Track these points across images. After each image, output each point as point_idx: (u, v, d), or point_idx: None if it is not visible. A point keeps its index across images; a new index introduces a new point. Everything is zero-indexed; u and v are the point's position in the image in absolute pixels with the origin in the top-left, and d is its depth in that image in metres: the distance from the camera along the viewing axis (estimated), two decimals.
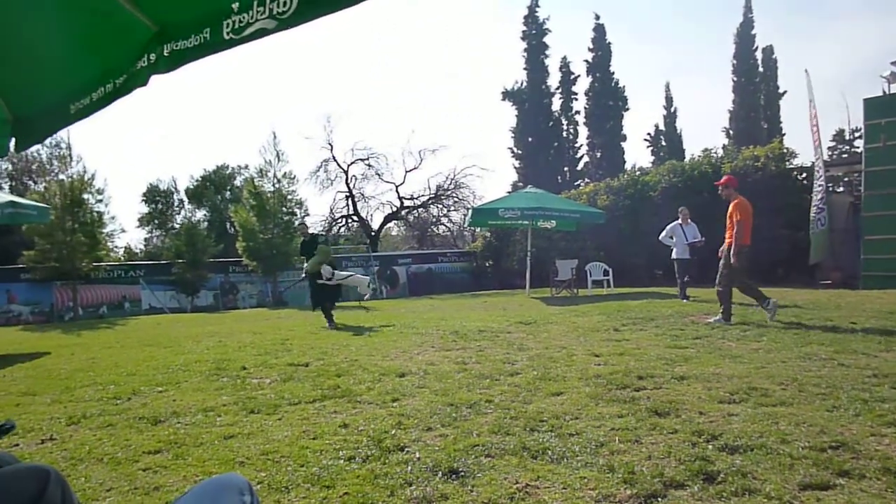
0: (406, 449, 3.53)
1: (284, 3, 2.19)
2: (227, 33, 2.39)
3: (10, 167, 30.19)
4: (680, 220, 12.85)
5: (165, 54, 2.63)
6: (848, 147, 38.18)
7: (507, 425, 3.84)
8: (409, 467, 3.20)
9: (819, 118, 15.26)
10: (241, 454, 3.59)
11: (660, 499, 2.67)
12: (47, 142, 25.59)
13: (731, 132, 40.85)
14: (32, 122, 3.44)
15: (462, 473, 3.08)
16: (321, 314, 11.19)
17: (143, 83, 2.74)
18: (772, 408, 3.96)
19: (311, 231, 12.16)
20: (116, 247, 32.21)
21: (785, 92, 40.26)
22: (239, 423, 4.31)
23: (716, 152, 19.87)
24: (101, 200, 20.56)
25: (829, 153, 36.04)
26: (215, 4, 2.41)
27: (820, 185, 14.91)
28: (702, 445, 3.30)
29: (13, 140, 3.44)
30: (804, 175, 16.91)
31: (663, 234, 12.91)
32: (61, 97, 3.18)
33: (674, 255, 12.82)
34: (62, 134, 22.54)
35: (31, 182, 28.82)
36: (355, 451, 3.51)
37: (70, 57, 3.21)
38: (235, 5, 2.35)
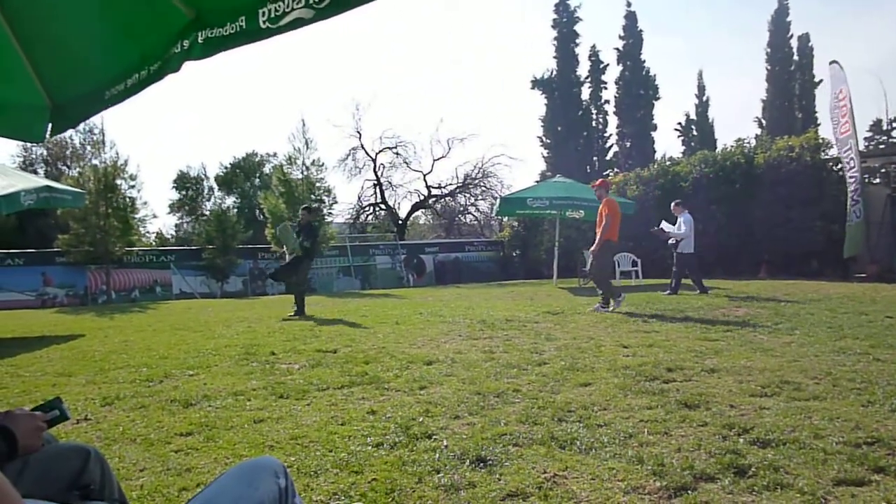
0: (433, 436, 3.54)
1: None
2: (264, 22, 2.40)
3: (44, 153, 30.83)
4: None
5: (200, 41, 2.64)
6: (885, 137, 37.25)
7: (535, 415, 3.83)
8: (437, 455, 3.21)
9: (854, 108, 14.86)
10: (271, 438, 3.64)
11: (690, 491, 2.64)
12: (81, 127, 26.00)
13: (764, 122, 40.11)
14: (69, 108, 3.48)
15: (490, 462, 3.08)
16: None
17: (176, 69, 2.75)
18: (805, 402, 3.90)
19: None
20: (148, 232, 32.79)
21: (821, 81, 39.27)
22: (268, 407, 4.36)
23: (749, 142, 19.51)
24: (133, 186, 20.95)
25: (866, 143, 35.20)
26: None
27: (853, 177, 14.56)
28: (733, 439, 3.26)
29: (49, 125, 3.50)
30: (840, 166, 16.55)
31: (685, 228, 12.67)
32: (98, 84, 3.21)
33: (683, 250, 12.61)
34: (95, 120, 22.89)
35: (65, 167, 29.38)
36: (383, 438, 3.53)
37: (108, 44, 3.24)
38: None
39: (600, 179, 11.17)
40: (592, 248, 10.33)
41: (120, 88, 3.08)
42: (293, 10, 2.28)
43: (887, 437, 3.16)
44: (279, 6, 2.34)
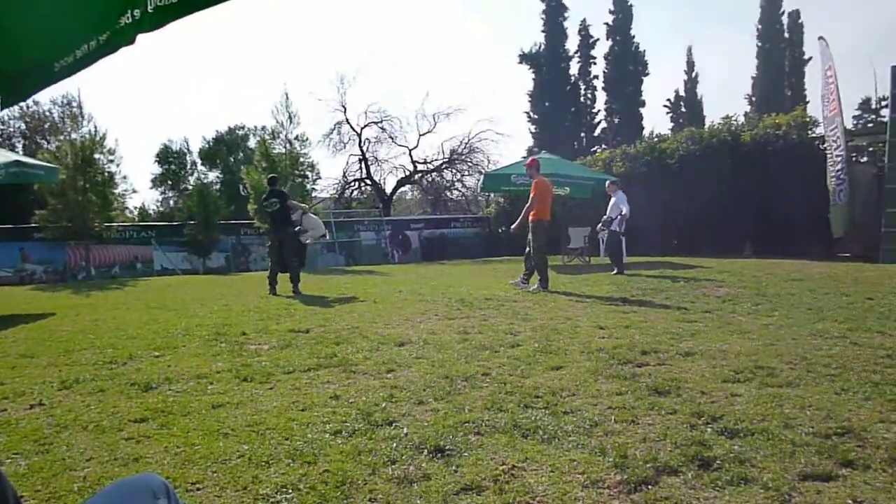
0: (395, 423, 3.43)
1: None
2: None
3: (22, 126, 30.25)
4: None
5: (150, 10, 2.50)
6: (874, 116, 37.21)
7: (501, 401, 3.72)
8: (395, 444, 3.10)
9: (841, 86, 14.74)
10: (227, 425, 3.51)
11: (650, 486, 2.54)
12: (59, 100, 25.60)
13: (753, 99, 39.99)
14: (16, 80, 3.34)
15: (448, 452, 2.97)
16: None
17: (130, 41, 2.62)
18: (777, 389, 3.81)
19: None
20: (132, 207, 32.41)
21: (811, 58, 39.19)
22: (230, 391, 4.23)
23: (736, 119, 19.38)
24: (112, 160, 20.52)
25: (854, 122, 35.20)
26: None
27: (840, 156, 14.47)
28: (700, 428, 3.17)
29: None
30: (825, 145, 16.48)
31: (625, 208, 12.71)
32: (44, 54, 3.08)
33: (615, 227, 12.69)
34: (73, 92, 22.46)
35: (43, 141, 28.86)
36: (342, 425, 3.41)
37: (50, 12, 3.10)
38: None
39: (531, 159, 11.33)
40: (513, 227, 10.55)
41: (69, 60, 2.95)
42: None
43: (858, 428, 3.07)
44: None
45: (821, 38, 15.35)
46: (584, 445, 2.99)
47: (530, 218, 10.03)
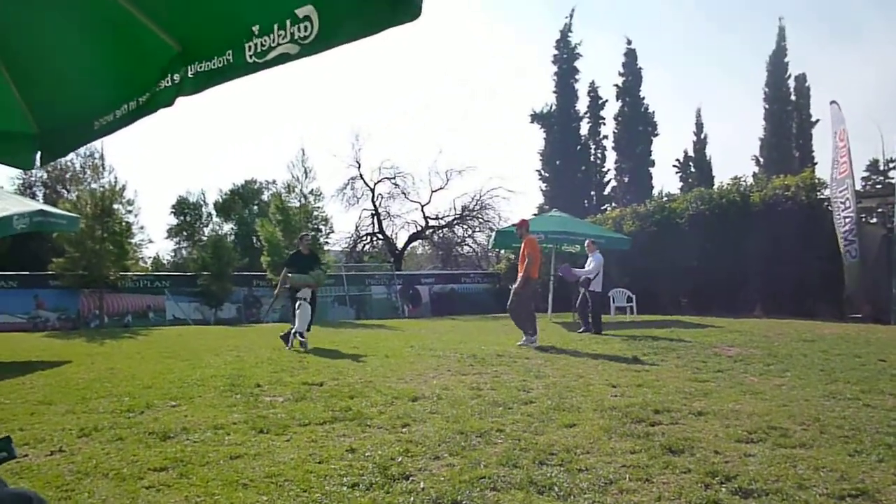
0: (411, 478, 3.47)
1: (306, 28, 2.19)
2: (251, 56, 2.40)
3: (44, 175, 30.86)
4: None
5: (190, 76, 2.64)
6: (882, 178, 37.42)
7: (516, 457, 3.76)
8: (412, 498, 3.14)
9: (851, 148, 14.99)
10: (246, 476, 3.56)
11: None
12: (81, 151, 26.15)
13: (761, 160, 40.33)
14: (57, 137, 3.49)
15: None
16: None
17: (169, 104, 2.75)
18: (791, 449, 3.84)
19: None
20: (146, 257, 32.72)
21: (818, 121, 39.59)
22: (247, 442, 4.29)
23: (745, 180, 19.62)
24: (130, 211, 20.90)
25: (863, 183, 35.33)
26: (236, 26, 2.42)
27: (849, 217, 14.60)
28: (715, 487, 3.20)
29: (39, 153, 3.50)
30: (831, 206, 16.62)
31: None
32: (85, 113, 3.21)
33: (595, 288, 12.68)
34: (96, 144, 22.95)
35: (64, 190, 29.40)
36: (360, 478, 3.46)
37: (93, 73, 3.26)
38: (256, 28, 2.36)
39: (521, 219, 11.56)
40: (515, 287, 10.61)
41: (109, 119, 3.08)
42: (279, 45, 2.29)
43: (872, 489, 3.10)
44: (265, 41, 2.35)
45: (833, 102, 15.69)
46: (600, 503, 3.02)
47: (521, 273, 10.34)
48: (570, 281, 13.15)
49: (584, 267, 13.10)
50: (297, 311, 10.36)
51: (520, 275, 10.43)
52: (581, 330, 12.45)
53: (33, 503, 1.35)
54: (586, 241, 13.46)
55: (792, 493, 3.07)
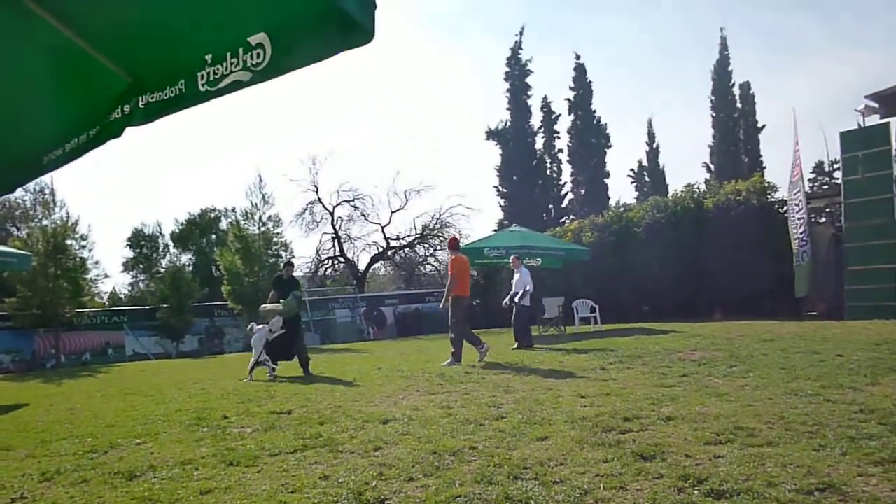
0: (386, 501, 3.45)
1: (259, 55, 2.20)
2: (203, 85, 2.39)
3: None
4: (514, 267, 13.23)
5: (141, 106, 2.62)
6: (828, 178, 38.63)
7: (491, 473, 3.76)
8: None
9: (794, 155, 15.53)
10: None
11: None
12: (30, 187, 25.49)
13: (712, 167, 41.31)
14: (4, 173, 3.40)
15: None
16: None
17: (118, 134, 2.72)
18: (758, 448, 3.91)
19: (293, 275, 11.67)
20: (102, 292, 31.92)
21: (763, 126, 40.84)
22: (217, 476, 4.20)
23: (698, 187, 20.10)
24: (84, 246, 20.45)
25: (810, 185, 36.39)
26: (188, 56, 2.41)
27: (801, 218, 15.06)
28: (688, 491, 3.24)
29: None
30: (786, 208, 17.12)
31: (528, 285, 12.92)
32: (35, 148, 3.16)
33: (522, 302, 12.82)
34: (46, 179, 22.43)
35: (14, 228, 28.60)
36: None
37: (45, 108, 3.21)
38: (209, 56, 2.35)
39: (451, 237, 11.97)
40: (442, 305, 10.78)
41: (58, 153, 3.04)
42: (232, 72, 2.29)
43: (839, 483, 3.18)
44: (217, 69, 2.34)
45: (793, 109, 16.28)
46: None
47: (452, 294, 10.36)
48: (516, 301, 12.98)
49: (512, 284, 13.10)
50: (252, 341, 10.28)
51: (444, 293, 10.55)
52: (514, 347, 12.36)
53: None
54: (511, 258, 13.51)
55: (762, 490, 3.13)
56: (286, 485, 3.88)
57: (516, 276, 12.94)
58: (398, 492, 3.59)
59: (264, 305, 10.86)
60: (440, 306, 11.13)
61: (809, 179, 38.89)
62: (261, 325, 10.37)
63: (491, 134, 40.23)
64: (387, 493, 3.56)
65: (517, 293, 12.68)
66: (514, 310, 12.79)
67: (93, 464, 4.82)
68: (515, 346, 12.44)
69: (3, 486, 4.30)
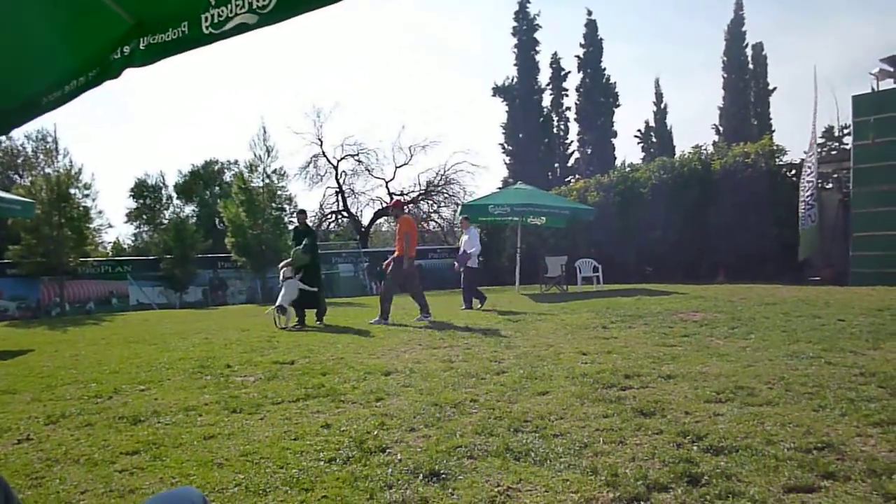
0: (388, 450, 3.48)
1: None
2: (207, 27, 2.33)
3: None
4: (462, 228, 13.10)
5: (142, 48, 2.56)
6: (837, 144, 38.22)
7: (492, 426, 3.79)
8: (390, 469, 3.15)
9: (806, 115, 15.34)
10: (221, 455, 3.53)
11: (643, 502, 2.63)
12: (33, 135, 25.36)
13: (721, 129, 40.93)
14: (4, 115, 3.36)
15: (443, 476, 3.03)
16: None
17: (115, 76, 2.67)
18: (758, 407, 3.93)
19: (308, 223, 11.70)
20: (106, 242, 32.03)
21: (775, 89, 40.44)
22: (220, 422, 4.25)
23: (706, 149, 19.87)
24: (87, 195, 20.40)
25: (819, 150, 36.10)
26: None
27: (810, 182, 14.94)
28: (687, 446, 3.27)
29: None
30: (794, 172, 16.96)
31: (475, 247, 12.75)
32: (36, 89, 3.12)
33: (472, 265, 12.73)
34: (48, 127, 22.32)
35: (17, 176, 28.55)
36: (336, 453, 3.45)
37: (47, 50, 3.16)
38: None
39: (394, 199, 11.91)
40: (386, 262, 10.88)
41: (57, 94, 3.00)
42: (237, 14, 2.22)
43: (837, 442, 3.20)
44: (223, 11, 2.27)
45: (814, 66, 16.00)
46: (576, 466, 3.07)
47: (396, 252, 10.44)
48: (463, 264, 12.80)
49: (461, 245, 12.90)
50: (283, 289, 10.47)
51: (397, 253, 10.45)
52: (463, 307, 12.29)
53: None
54: (460, 219, 13.32)
55: (761, 448, 3.15)
56: (288, 432, 3.92)
57: (464, 237, 12.78)
58: (399, 441, 3.63)
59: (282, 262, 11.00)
60: (385, 264, 11.03)
61: (818, 145, 38.60)
62: (288, 277, 10.46)
63: (497, 90, 39.80)
64: (388, 443, 3.60)
65: (469, 254, 12.53)
66: (463, 272, 12.69)
67: (97, 408, 4.88)
68: (464, 307, 12.35)
69: (9, 429, 4.36)
